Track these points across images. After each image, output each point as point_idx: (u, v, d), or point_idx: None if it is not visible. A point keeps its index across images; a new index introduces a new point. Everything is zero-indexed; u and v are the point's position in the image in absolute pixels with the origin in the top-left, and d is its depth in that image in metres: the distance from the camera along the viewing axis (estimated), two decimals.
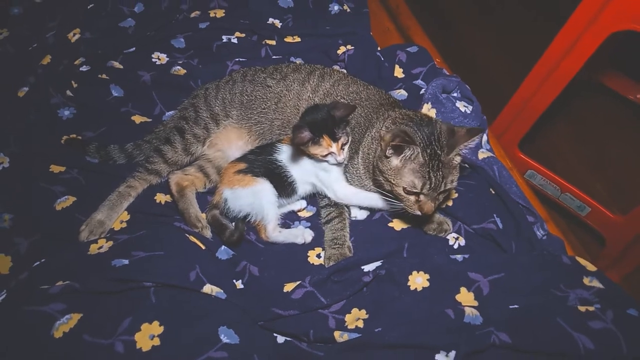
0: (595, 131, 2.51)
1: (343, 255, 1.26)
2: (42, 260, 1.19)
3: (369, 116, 1.37)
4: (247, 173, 1.33)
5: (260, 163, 1.34)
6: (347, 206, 1.38)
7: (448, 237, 1.31)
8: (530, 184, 2.08)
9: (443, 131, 1.19)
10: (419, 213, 1.20)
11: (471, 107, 1.54)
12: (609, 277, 2.01)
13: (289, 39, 1.85)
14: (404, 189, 1.19)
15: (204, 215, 1.39)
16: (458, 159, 1.22)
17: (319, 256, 1.31)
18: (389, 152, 1.18)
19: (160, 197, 1.43)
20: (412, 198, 1.20)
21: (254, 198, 1.31)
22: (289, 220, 1.41)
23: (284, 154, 1.35)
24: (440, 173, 1.17)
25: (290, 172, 1.34)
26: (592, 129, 2.52)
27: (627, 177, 2.34)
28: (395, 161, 1.19)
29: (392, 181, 1.20)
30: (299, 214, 1.44)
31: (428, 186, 1.16)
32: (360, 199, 1.35)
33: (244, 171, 1.33)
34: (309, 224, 1.39)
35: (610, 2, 1.46)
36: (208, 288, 1.11)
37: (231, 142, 1.48)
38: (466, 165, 1.44)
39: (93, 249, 1.19)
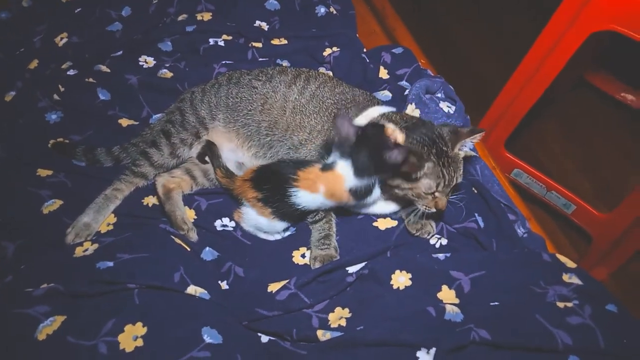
0: (581, 129, 2.54)
1: (330, 257, 1.27)
2: (28, 263, 1.20)
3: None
4: (266, 207, 1.29)
5: (278, 204, 1.27)
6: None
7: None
8: (517, 182, 2.10)
9: (445, 129, 1.25)
10: (434, 210, 1.25)
11: (454, 107, 1.56)
12: (596, 274, 2.05)
13: (275, 42, 1.86)
14: (421, 192, 1.22)
15: (190, 216, 1.40)
16: (462, 153, 1.27)
17: (303, 256, 1.32)
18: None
19: (148, 200, 1.44)
20: (429, 197, 1.24)
21: (269, 225, 1.33)
22: None
23: (301, 198, 1.25)
24: (452, 168, 1.22)
25: (310, 209, 1.29)
26: (578, 127, 2.54)
27: (612, 174, 2.37)
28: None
29: (407, 187, 1.23)
30: None
31: (442, 184, 1.21)
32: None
33: (263, 202, 1.29)
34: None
35: (589, 2, 1.48)
36: (192, 289, 1.12)
37: (221, 145, 1.48)
38: None
39: (78, 251, 1.20)
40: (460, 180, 1.26)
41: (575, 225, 2.08)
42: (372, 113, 1.34)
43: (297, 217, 1.33)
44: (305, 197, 1.24)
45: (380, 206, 1.36)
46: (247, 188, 1.30)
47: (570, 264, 1.22)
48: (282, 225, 1.34)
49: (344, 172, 1.20)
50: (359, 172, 1.19)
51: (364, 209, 1.36)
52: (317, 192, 1.23)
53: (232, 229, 1.39)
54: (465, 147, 1.29)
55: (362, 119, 1.33)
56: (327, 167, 1.23)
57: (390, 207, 1.36)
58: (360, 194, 1.22)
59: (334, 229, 1.34)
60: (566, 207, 2.03)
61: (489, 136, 2.04)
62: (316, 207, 1.29)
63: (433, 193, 1.23)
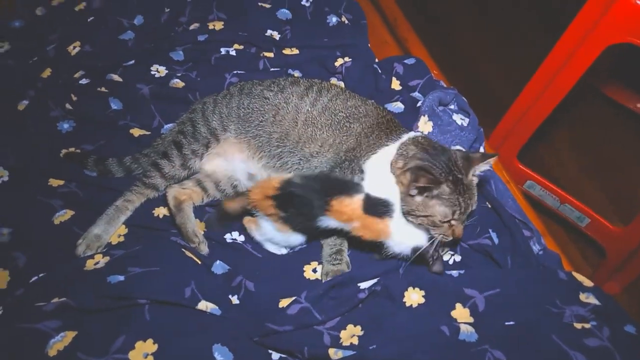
0: (596, 141, 2.51)
1: (342, 272, 1.26)
2: (39, 275, 1.20)
3: (368, 136, 1.36)
4: (287, 224, 1.25)
5: (302, 225, 1.25)
6: None
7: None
8: (530, 194, 2.08)
9: (458, 156, 1.24)
10: (451, 238, 1.22)
11: (468, 119, 1.54)
12: (609, 288, 2.01)
13: (287, 51, 1.85)
14: (438, 220, 1.20)
15: (201, 229, 1.39)
16: (476, 179, 1.26)
17: (314, 271, 1.31)
18: (412, 191, 1.19)
19: (159, 211, 1.43)
20: (446, 225, 1.21)
21: (285, 240, 1.31)
22: None
23: (327, 223, 1.22)
24: (467, 195, 1.20)
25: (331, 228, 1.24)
26: (593, 139, 2.51)
27: (627, 187, 2.33)
28: (420, 197, 1.20)
29: (422, 214, 1.21)
30: None
31: (459, 212, 1.19)
32: None
33: (284, 220, 1.24)
34: None
35: (606, 15, 1.46)
36: (203, 305, 1.11)
37: (232, 156, 1.48)
38: None
39: (89, 264, 1.20)
40: (475, 207, 1.25)
41: (586, 237, 2.05)
42: (403, 139, 1.32)
43: (318, 234, 1.31)
44: (332, 222, 1.21)
45: None
46: (269, 206, 1.24)
47: (587, 282, 1.19)
48: (299, 239, 1.31)
49: (396, 233, 1.19)
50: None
51: None
52: (348, 223, 1.20)
53: (242, 242, 1.38)
54: (479, 173, 1.26)
55: (395, 146, 1.31)
56: (375, 212, 1.19)
57: None
58: None
59: (346, 244, 1.33)
60: (580, 220, 2.00)
61: (501, 147, 2.02)
62: (336, 228, 1.25)
63: (449, 221, 1.21)
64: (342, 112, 1.41)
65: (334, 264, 1.27)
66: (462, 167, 1.22)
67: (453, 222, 1.21)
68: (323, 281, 1.26)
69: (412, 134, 1.35)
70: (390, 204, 1.20)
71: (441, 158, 1.22)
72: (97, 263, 1.20)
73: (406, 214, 1.22)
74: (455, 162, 1.22)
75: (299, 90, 1.46)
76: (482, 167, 1.25)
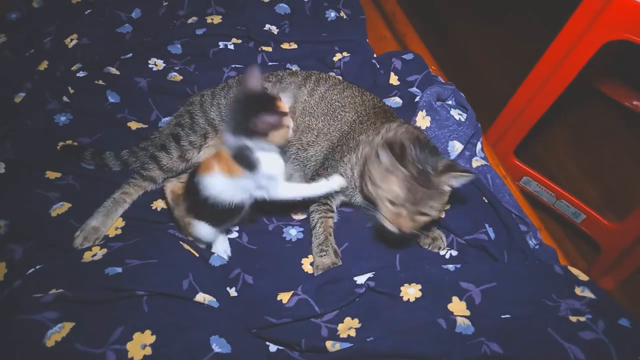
0: (591, 137, 2.52)
1: (332, 262, 1.26)
2: (36, 267, 1.20)
3: (363, 123, 1.37)
4: (190, 214, 1.26)
5: (194, 205, 1.24)
6: (332, 210, 1.37)
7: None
8: (526, 190, 2.09)
9: (440, 158, 1.20)
10: (394, 229, 1.18)
11: (465, 115, 1.55)
12: (604, 283, 2.03)
13: (285, 46, 1.85)
14: (386, 197, 1.17)
15: None
16: (447, 188, 1.19)
17: (312, 264, 1.31)
18: (380, 154, 1.18)
19: (157, 204, 1.44)
20: (392, 208, 1.17)
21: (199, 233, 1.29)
22: (282, 222, 1.41)
23: (207, 186, 1.20)
24: (427, 190, 1.15)
25: (228, 200, 1.21)
26: (589, 135, 2.53)
27: (622, 183, 2.35)
28: (384, 164, 1.18)
29: (377, 183, 1.18)
30: (293, 217, 1.44)
31: (411, 198, 1.14)
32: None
33: (189, 211, 1.27)
34: (302, 229, 1.40)
35: (603, 12, 1.46)
36: (200, 297, 1.11)
37: None
38: None
39: (87, 256, 1.20)
40: (435, 214, 1.19)
41: (582, 233, 2.07)
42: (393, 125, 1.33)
43: (212, 210, 1.23)
44: (209, 183, 1.18)
45: (285, 188, 1.23)
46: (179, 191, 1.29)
47: (583, 276, 1.20)
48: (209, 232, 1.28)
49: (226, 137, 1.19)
50: (232, 127, 1.16)
51: (272, 189, 1.22)
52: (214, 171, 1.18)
53: (236, 235, 1.38)
54: (454, 184, 1.18)
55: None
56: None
57: (297, 189, 1.26)
58: (247, 162, 1.17)
59: (331, 231, 1.32)
60: (575, 216, 2.01)
61: (499, 143, 2.03)
62: (231, 197, 1.20)
63: (397, 207, 1.16)
64: (338, 102, 1.42)
65: (321, 256, 1.27)
66: (439, 166, 1.16)
67: (402, 209, 1.16)
68: (315, 274, 1.26)
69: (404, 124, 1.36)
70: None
71: (424, 148, 1.18)
72: (94, 255, 1.20)
73: (361, 176, 1.24)
74: (433, 157, 1.17)
75: (297, 81, 1.47)
76: (458, 179, 1.17)
